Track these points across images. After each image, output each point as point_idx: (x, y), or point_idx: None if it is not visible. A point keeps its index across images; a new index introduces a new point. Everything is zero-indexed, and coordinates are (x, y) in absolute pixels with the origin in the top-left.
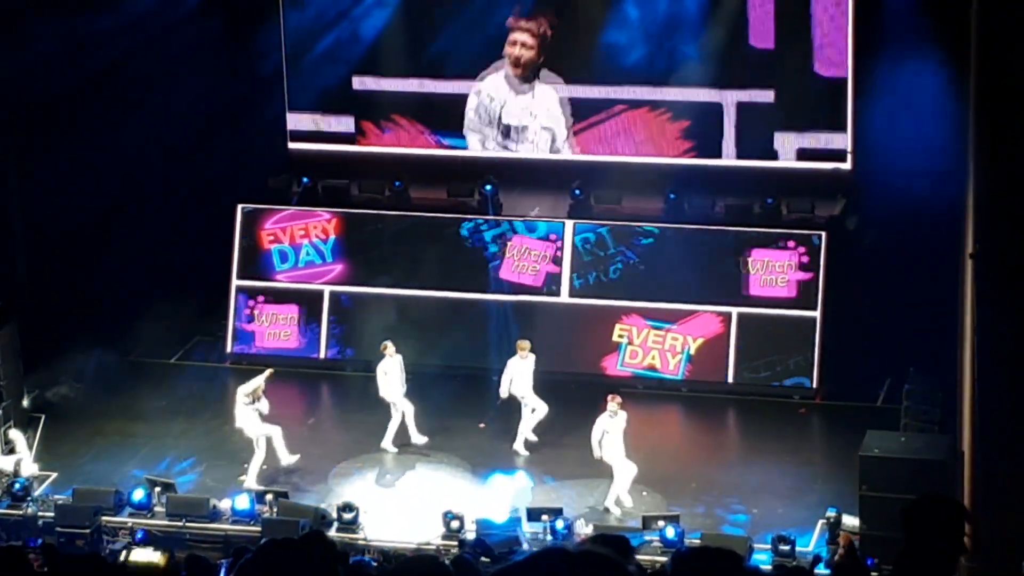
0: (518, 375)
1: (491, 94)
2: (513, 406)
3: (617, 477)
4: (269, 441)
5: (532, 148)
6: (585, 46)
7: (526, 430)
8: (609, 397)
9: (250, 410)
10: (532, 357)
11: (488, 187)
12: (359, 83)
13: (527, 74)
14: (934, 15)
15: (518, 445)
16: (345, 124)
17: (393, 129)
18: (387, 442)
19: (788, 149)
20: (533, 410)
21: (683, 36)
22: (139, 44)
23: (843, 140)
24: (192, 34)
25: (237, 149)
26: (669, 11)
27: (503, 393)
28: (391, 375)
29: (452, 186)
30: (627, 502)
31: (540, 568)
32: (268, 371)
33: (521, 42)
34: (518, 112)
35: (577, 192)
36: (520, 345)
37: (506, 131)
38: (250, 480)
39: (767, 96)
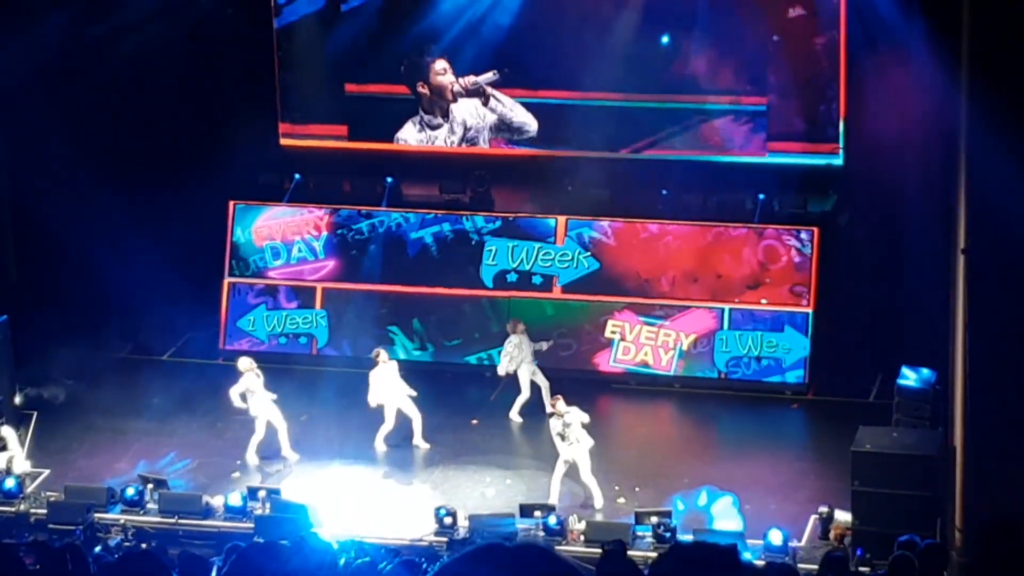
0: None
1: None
2: (508, 398)
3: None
4: (269, 425)
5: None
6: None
7: (521, 404)
8: (552, 399)
9: (261, 388)
10: (525, 335)
11: (480, 183)
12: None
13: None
14: (926, 9)
15: (514, 414)
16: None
17: None
18: (418, 439)
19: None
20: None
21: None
22: (133, 40)
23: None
24: (185, 30)
25: (229, 145)
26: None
27: (501, 371)
28: (384, 383)
29: (445, 183)
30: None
31: (478, 563)
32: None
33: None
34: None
35: (569, 188)
36: (513, 323)
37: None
38: (250, 455)
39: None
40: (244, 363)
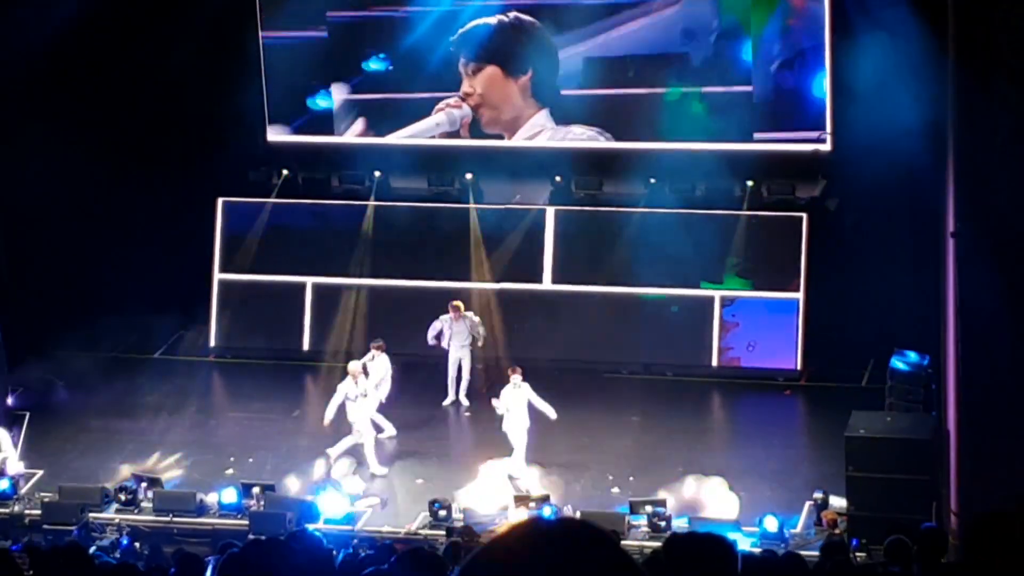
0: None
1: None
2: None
3: (516, 449)
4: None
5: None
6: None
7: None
8: (510, 369)
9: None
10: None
11: (469, 175)
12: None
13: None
14: None
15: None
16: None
17: None
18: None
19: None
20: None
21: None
22: (118, 37)
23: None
24: (171, 26)
25: (216, 142)
26: None
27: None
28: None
29: (433, 175)
30: (519, 476)
31: (520, 540)
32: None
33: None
34: None
35: (558, 178)
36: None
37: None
38: (335, 451)
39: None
40: (352, 365)
